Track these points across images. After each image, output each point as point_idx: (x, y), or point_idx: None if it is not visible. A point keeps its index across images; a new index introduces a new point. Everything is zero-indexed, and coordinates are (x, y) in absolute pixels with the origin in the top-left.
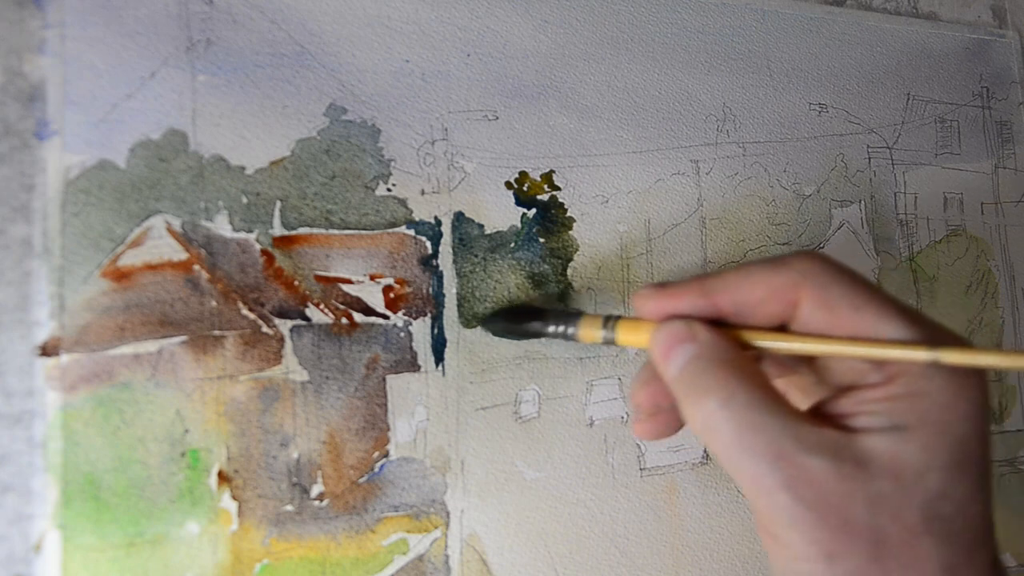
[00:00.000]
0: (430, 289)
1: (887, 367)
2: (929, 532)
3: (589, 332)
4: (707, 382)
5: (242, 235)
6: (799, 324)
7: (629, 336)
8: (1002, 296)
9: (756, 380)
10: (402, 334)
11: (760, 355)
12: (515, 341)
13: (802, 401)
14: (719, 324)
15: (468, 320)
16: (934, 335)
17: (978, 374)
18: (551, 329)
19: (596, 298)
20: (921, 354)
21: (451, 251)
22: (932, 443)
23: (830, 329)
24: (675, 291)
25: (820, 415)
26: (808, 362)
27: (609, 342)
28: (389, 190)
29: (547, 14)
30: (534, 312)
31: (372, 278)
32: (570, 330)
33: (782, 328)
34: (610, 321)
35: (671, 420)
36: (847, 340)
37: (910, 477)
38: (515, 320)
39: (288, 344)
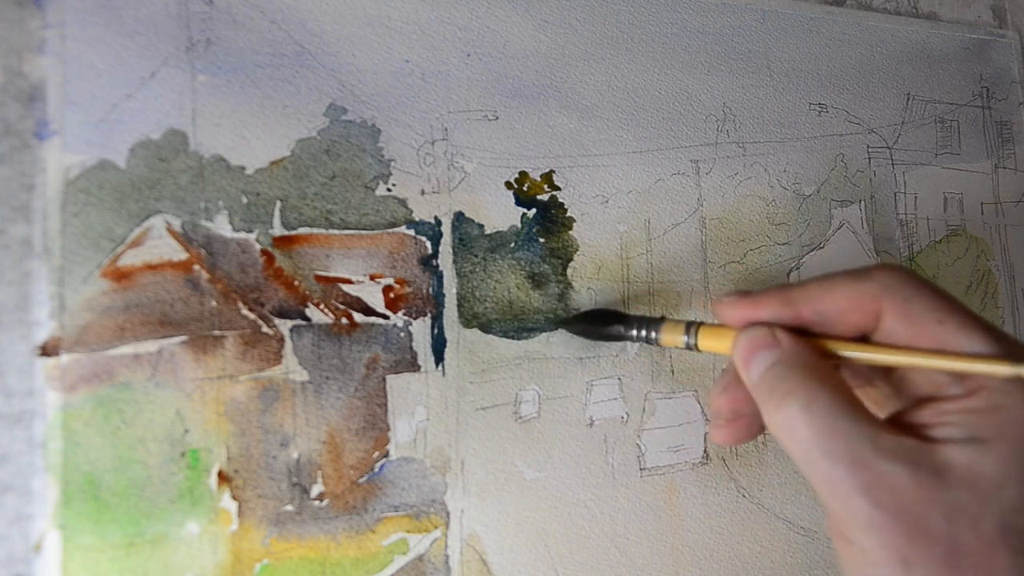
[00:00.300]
0: (430, 289)
1: (967, 380)
2: (1005, 544)
3: (671, 337)
4: (789, 386)
5: (242, 235)
6: (881, 336)
7: (711, 342)
8: (1002, 296)
9: (837, 386)
10: (402, 334)
11: (837, 365)
12: (591, 341)
13: (878, 413)
14: (800, 333)
15: (468, 320)
16: (1015, 350)
17: None
18: (633, 333)
19: (596, 298)
20: (1004, 369)
21: (451, 251)
22: (1009, 457)
23: (912, 341)
24: (758, 299)
25: (898, 424)
26: (885, 373)
27: (691, 347)
28: (389, 190)
29: (547, 14)
30: (616, 316)
31: (372, 278)
32: (653, 334)
33: (862, 339)
34: (692, 327)
35: (751, 425)
36: (931, 352)
37: (988, 489)
38: (597, 323)
39: (288, 344)
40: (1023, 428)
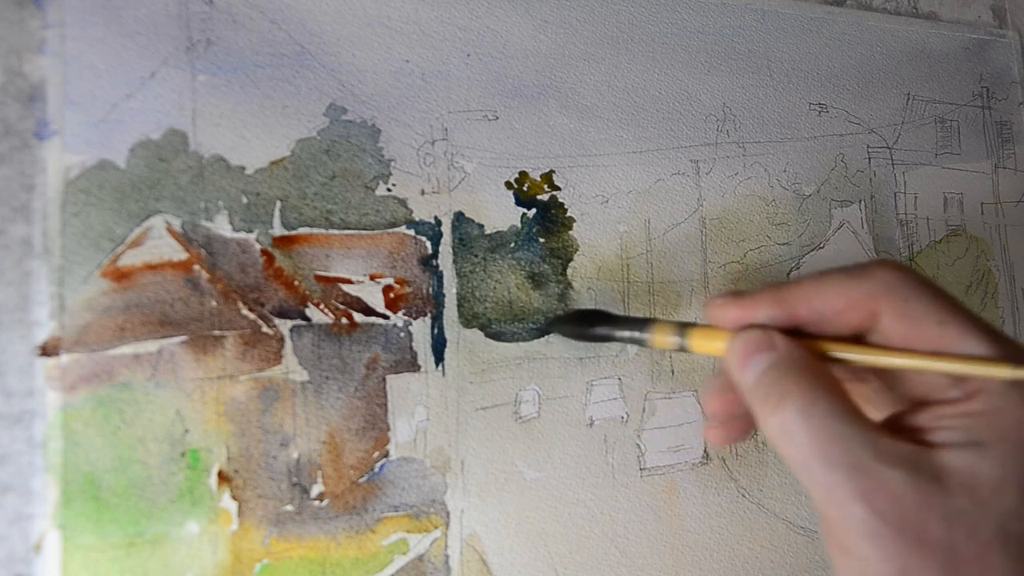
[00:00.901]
0: (430, 289)
1: (966, 383)
2: (1003, 550)
3: (662, 338)
4: (785, 389)
5: (242, 235)
6: (879, 335)
7: (703, 343)
8: (1002, 296)
9: (835, 389)
10: (402, 334)
11: (834, 362)
12: (582, 343)
13: (869, 411)
14: (796, 334)
15: (468, 320)
16: (1016, 353)
17: None
18: (622, 334)
19: (596, 298)
20: (1005, 371)
21: (451, 251)
22: (1009, 460)
23: (912, 341)
24: (751, 300)
25: (895, 428)
26: (879, 374)
27: (683, 349)
28: (389, 190)
29: (547, 14)
30: (605, 317)
31: (372, 278)
32: (643, 335)
33: (858, 339)
34: (684, 328)
35: (745, 426)
36: (930, 354)
37: (986, 494)
38: (585, 324)
39: (288, 344)
40: (1021, 431)
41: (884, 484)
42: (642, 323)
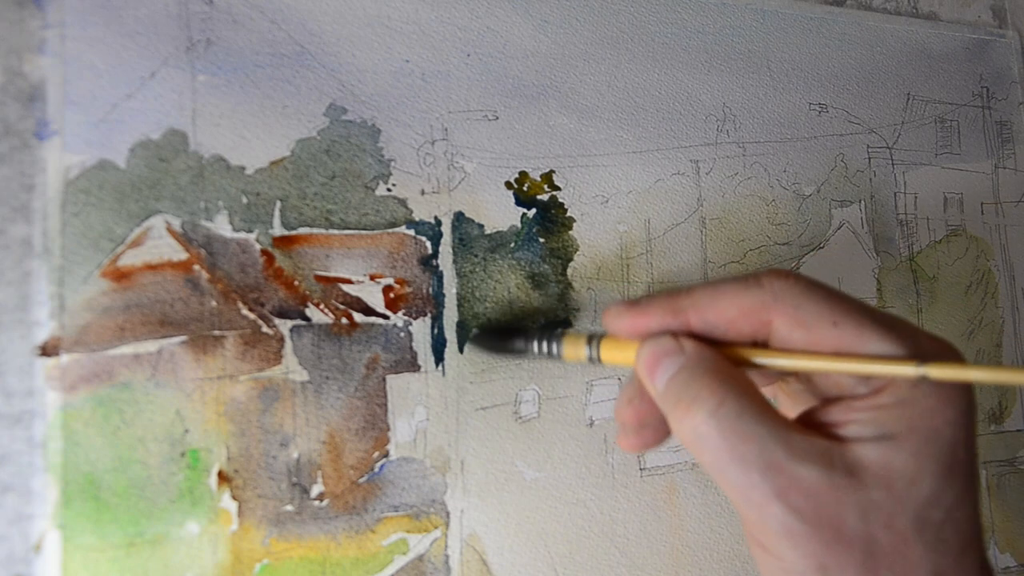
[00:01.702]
0: (430, 289)
1: (873, 378)
2: (920, 539)
3: (573, 351)
4: (695, 393)
5: (242, 235)
6: (777, 342)
7: (613, 354)
8: (1002, 296)
9: (745, 389)
10: (402, 334)
11: (746, 366)
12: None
13: (791, 409)
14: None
15: (468, 320)
16: (917, 346)
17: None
18: (535, 348)
19: (596, 298)
20: (909, 370)
21: (451, 251)
22: (922, 450)
23: (810, 346)
24: (645, 308)
25: (809, 424)
26: (795, 373)
27: (593, 360)
28: (389, 190)
29: (547, 14)
30: (518, 331)
31: (372, 278)
32: (554, 349)
33: (762, 345)
34: (594, 339)
35: (657, 434)
36: (836, 356)
37: (901, 485)
38: (499, 339)
39: (288, 344)
40: (933, 421)
41: (798, 482)
42: (553, 336)
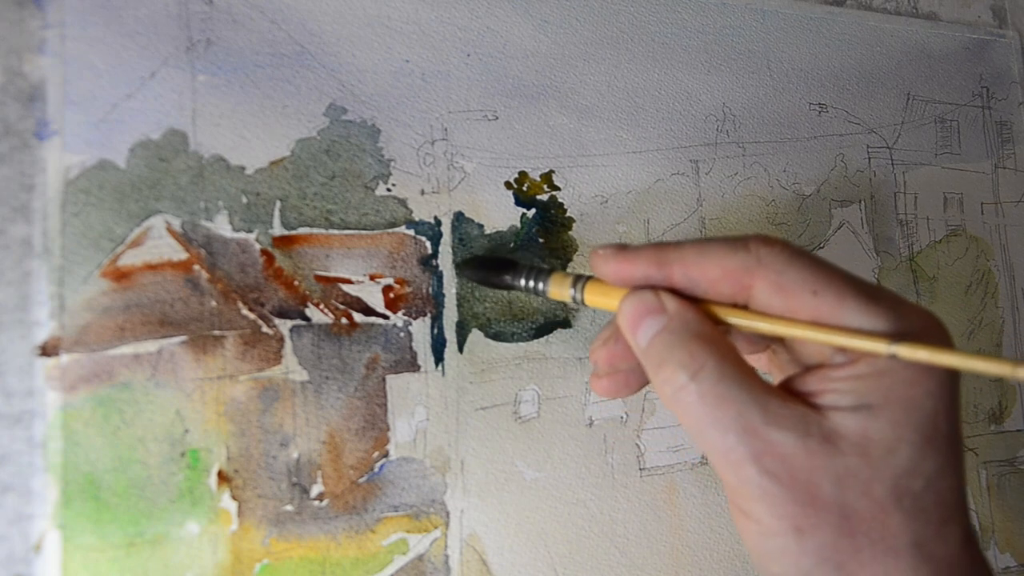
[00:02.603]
0: (430, 289)
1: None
2: (899, 508)
3: (559, 290)
4: (677, 355)
5: (242, 235)
6: (756, 307)
7: (597, 298)
8: (1002, 296)
9: (726, 353)
10: (402, 334)
11: (730, 330)
12: (494, 291)
13: (776, 376)
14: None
15: (468, 320)
16: (897, 320)
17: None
18: (522, 283)
19: None
20: (880, 347)
21: (451, 251)
22: (900, 420)
23: (788, 313)
24: (632, 256)
25: (790, 391)
26: (778, 339)
27: (576, 301)
28: (389, 190)
29: (547, 14)
30: (508, 264)
31: (372, 278)
32: (540, 286)
33: (741, 307)
34: (580, 281)
35: (629, 380)
36: (814, 325)
37: (879, 454)
38: (488, 269)
39: (288, 344)
40: (910, 390)
41: (773, 446)
42: (541, 272)
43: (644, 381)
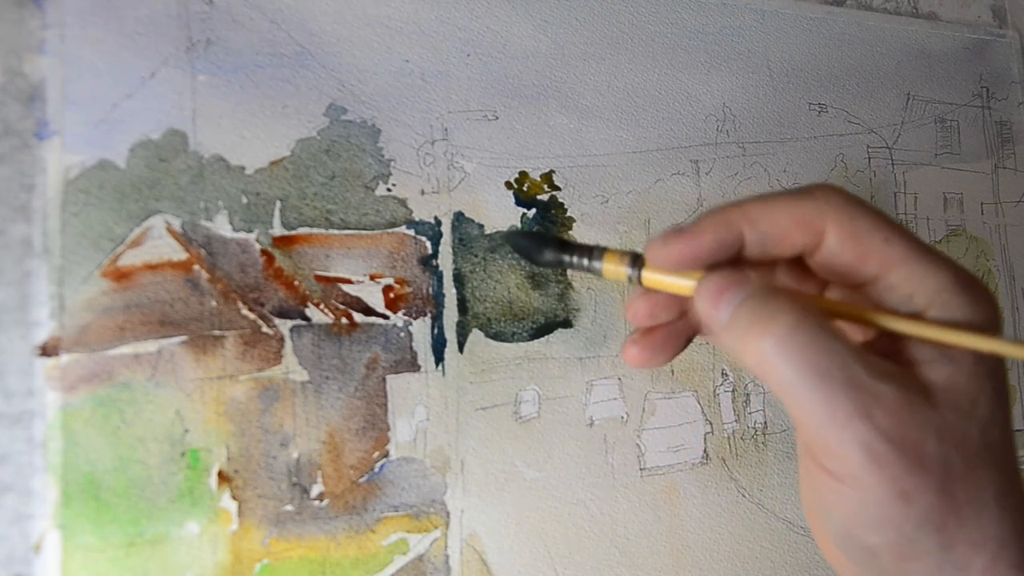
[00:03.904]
0: (430, 289)
1: (920, 295)
2: (984, 460)
3: (613, 267)
4: (771, 311)
5: (242, 235)
6: (824, 255)
7: (657, 279)
8: (1002, 296)
9: (817, 311)
10: (402, 334)
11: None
12: (536, 268)
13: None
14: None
15: (468, 320)
16: (957, 275)
17: (998, 311)
18: (572, 259)
19: (596, 298)
20: (985, 344)
21: (451, 251)
22: (978, 370)
23: (858, 260)
24: (696, 229)
25: (872, 349)
26: (857, 286)
27: (632, 281)
28: (389, 190)
29: (547, 14)
30: (557, 242)
31: (372, 278)
32: (595, 263)
33: (800, 261)
34: (638, 260)
35: (666, 343)
36: (913, 320)
37: (966, 406)
38: (538, 242)
39: (288, 344)
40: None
41: (881, 400)
42: (594, 251)
43: (681, 345)
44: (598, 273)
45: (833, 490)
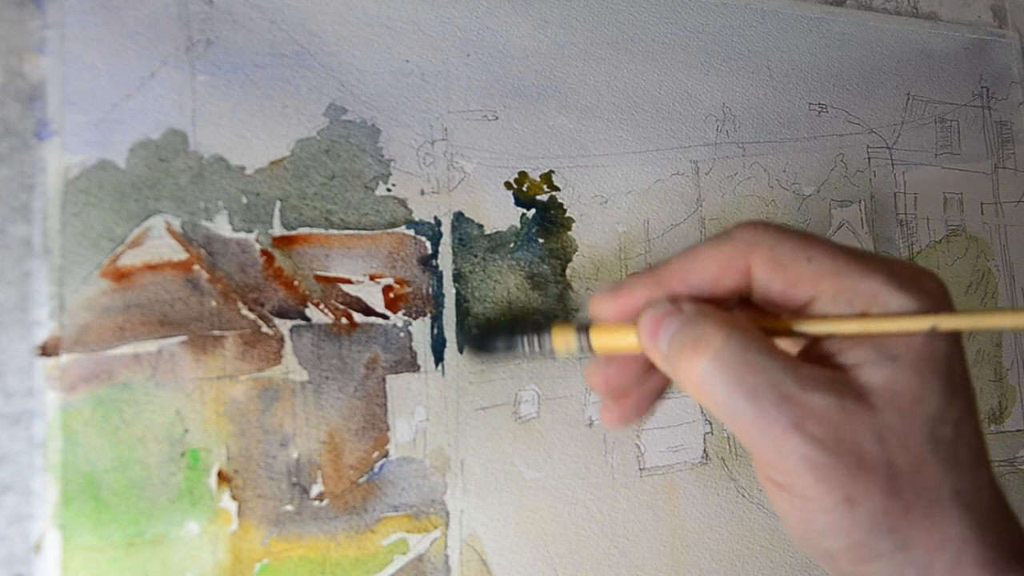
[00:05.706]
0: (430, 289)
1: (859, 302)
2: (935, 457)
3: (562, 342)
4: (699, 334)
5: (242, 235)
6: (759, 290)
7: (604, 340)
8: (1002, 296)
9: (747, 326)
10: (402, 334)
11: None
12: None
13: (790, 348)
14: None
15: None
16: (890, 273)
17: (946, 297)
18: (525, 348)
19: None
20: (921, 324)
21: (451, 251)
22: (922, 367)
23: (788, 288)
24: (629, 288)
25: (808, 358)
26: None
27: (585, 351)
28: (389, 190)
29: (547, 14)
30: (504, 332)
31: (372, 278)
32: (545, 346)
33: (744, 303)
34: (583, 329)
35: (638, 403)
36: (850, 318)
37: (908, 404)
38: (488, 345)
39: (288, 344)
40: (926, 337)
41: (813, 411)
42: (541, 331)
43: (652, 401)
44: (552, 356)
45: (783, 500)
